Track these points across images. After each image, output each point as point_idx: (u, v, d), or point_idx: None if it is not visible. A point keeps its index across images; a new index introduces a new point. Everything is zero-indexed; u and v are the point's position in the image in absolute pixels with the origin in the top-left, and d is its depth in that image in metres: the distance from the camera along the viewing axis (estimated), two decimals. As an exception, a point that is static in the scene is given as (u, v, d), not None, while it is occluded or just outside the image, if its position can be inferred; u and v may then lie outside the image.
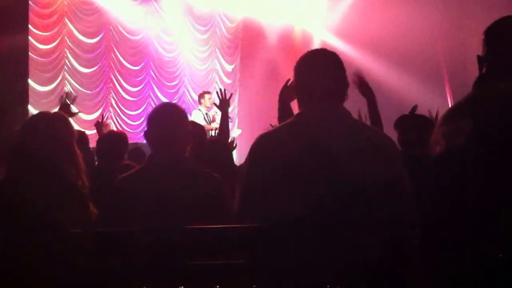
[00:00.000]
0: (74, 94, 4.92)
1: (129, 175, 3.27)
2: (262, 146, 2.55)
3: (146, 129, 3.26)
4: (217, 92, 5.67)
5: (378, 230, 2.35)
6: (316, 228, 2.31)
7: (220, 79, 15.23)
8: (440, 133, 2.34)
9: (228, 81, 15.43)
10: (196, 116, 11.21)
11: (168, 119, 3.18)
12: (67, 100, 4.81)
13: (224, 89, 5.60)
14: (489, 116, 2.20)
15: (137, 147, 6.12)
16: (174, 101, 13.99)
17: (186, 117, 3.30)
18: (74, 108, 4.86)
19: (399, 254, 2.36)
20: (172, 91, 14.21)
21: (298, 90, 2.59)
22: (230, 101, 5.65)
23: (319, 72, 2.54)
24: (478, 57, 2.47)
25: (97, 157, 4.94)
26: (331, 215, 2.31)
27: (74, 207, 3.01)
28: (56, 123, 3.18)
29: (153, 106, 13.47)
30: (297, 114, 2.58)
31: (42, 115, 3.29)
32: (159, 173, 3.08)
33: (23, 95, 7.91)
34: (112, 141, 4.83)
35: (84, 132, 5.42)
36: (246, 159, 2.60)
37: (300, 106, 2.60)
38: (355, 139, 2.43)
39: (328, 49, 2.66)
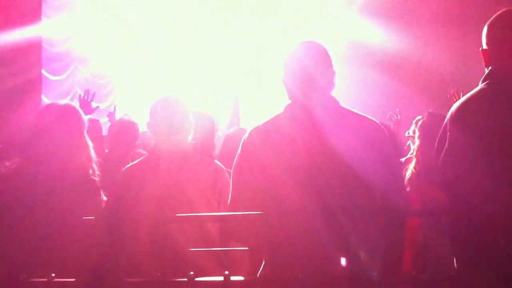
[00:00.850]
0: (93, 91, 4.92)
1: (134, 165, 3.33)
2: (254, 138, 2.58)
3: (148, 120, 3.32)
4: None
5: (374, 215, 2.40)
6: (310, 217, 2.35)
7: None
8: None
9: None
10: None
11: (168, 110, 3.24)
12: (85, 98, 4.83)
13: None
14: None
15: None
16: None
17: (187, 108, 3.34)
18: (93, 104, 4.89)
19: (397, 241, 2.40)
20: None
21: (286, 82, 2.62)
22: None
23: (304, 63, 2.56)
24: (483, 51, 2.52)
25: (108, 144, 4.96)
26: (324, 203, 2.35)
27: (86, 195, 3.06)
28: (68, 113, 3.22)
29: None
30: (286, 106, 2.61)
31: (54, 106, 3.32)
32: (162, 163, 3.15)
33: (37, 85, 7.94)
34: (122, 128, 4.86)
35: (97, 120, 5.43)
36: (238, 152, 2.63)
37: (289, 98, 2.62)
38: (344, 127, 2.46)
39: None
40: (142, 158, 3.39)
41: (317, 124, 2.44)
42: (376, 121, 2.54)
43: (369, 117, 2.53)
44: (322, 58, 2.59)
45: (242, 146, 2.61)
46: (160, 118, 3.24)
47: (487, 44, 2.51)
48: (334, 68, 2.60)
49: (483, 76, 2.50)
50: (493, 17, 2.52)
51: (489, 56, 2.49)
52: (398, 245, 2.42)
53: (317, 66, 2.55)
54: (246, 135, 2.62)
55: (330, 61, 2.60)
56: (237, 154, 2.63)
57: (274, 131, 2.53)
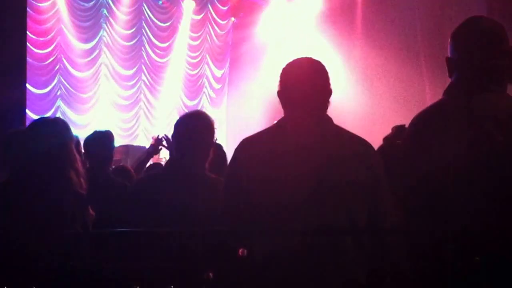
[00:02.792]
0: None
1: (147, 177, 3.28)
2: (245, 150, 2.54)
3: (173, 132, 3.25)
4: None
5: (360, 235, 2.36)
6: (298, 234, 2.31)
7: (210, 84, 15.26)
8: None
9: (218, 86, 15.48)
10: None
11: (193, 129, 3.18)
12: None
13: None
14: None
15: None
16: (165, 105, 14.03)
17: (213, 128, 3.27)
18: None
19: (383, 260, 2.38)
20: (163, 95, 14.21)
21: (281, 96, 2.58)
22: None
23: (301, 79, 2.52)
24: (448, 59, 2.45)
25: (86, 158, 4.83)
26: (312, 221, 2.31)
27: (74, 209, 3.02)
28: (57, 127, 3.19)
29: (144, 109, 13.57)
30: (280, 120, 2.56)
31: (44, 120, 3.31)
32: (174, 181, 3.09)
33: (21, 100, 7.85)
34: (100, 141, 4.68)
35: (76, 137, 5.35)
36: (229, 163, 2.60)
37: (284, 111, 2.59)
38: (336, 146, 2.43)
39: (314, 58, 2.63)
40: (157, 172, 3.30)
41: (309, 139, 2.42)
42: (368, 142, 2.51)
43: (361, 137, 2.52)
44: (319, 76, 2.55)
45: (233, 156, 2.57)
46: (182, 135, 3.19)
47: (451, 52, 2.45)
48: (331, 86, 2.56)
49: (447, 87, 2.45)
50: (458, 25, 2.45)
51: (452, 65, 2.43)
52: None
53: (313, 83, 2.52)
54: (239, 145, 2.58)
55: (327, 79, 2.56)
56: (229, 163, 2.60)
57: (266, 143, 2.50)
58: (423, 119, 2.45)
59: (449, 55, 2.46)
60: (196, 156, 3.13)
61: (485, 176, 2.18)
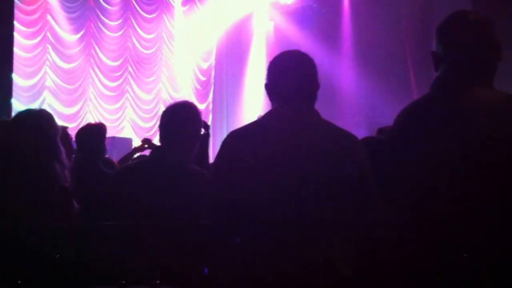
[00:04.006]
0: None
1: (128, 167, 3.23)
2: (232, 143, 2.49)
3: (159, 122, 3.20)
4: None
5: (346, 229, 2.34)
6: (283, 228, 2.28)
7: (196, 76, 15.19)
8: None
9: (203, 78, 15.41)
10: None
11: (177, 120, 3.12)
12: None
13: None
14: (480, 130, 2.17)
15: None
16: (151, 96, 13.97)
17: (198, 119, 3.21)
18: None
19: (370, 255, 2.35)
20: (150, 86, 14.13)
21: (268, 89, 2.54)
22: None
23: (288, 72, 2.48)
24: (433, 53, 2.40)
25: (77, 149, 4.81)
26: (298, 215, 2.28)
27: (58, 202, 2.98)
28: (42, 119, 3.14)
29: (131, 101, 13.50)
30: (267, 113, 2.52)
31: (28, 112, 3.25)
32: (154, 171, 3.03)
33: (7, 90, 7.76)
34: (91, 133, 4.67)
35: (66, 127, 5.29)
36: (216, 156, 2.55)
37: (271, 104, 2.55)
38: (322, 139, 2.38)
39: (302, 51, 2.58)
40: (138, 160, 3.26)
41: (295, 133, 2.38)
42: (355, 136, 2.48)
43: (348, 131, 2.48)
44: (307, 69, 2.51)
45: (220, 149, 2.52)
46: (166, 125, 3.14)
47: (436, 46, 2.39)
48: (318, 80, 2.52)
49: (433, 81, 2.39)
50: (444, 19, 2.39)
51: (437, 59, 2.38)
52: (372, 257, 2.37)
53: (300, 77, 2.48)
54: (226, 138, 2.53)
55: (315, 72, 2.52)
56: (215, 156, 2.55)
57: (253, 136, 2.45)
58: (409, 114, 2.40)
59: (434, 49, 2.41)
60: (179, 147, 3.07)
61: (475, 171, 2.14)
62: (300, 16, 14.20)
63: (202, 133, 3.30)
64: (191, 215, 2.75)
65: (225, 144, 2.51)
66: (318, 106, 2.52)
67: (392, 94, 11.26)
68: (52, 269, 2.68)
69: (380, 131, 4.76)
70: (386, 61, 12.40)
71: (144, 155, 5.09)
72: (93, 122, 4.80)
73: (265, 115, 2.52)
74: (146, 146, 5.15)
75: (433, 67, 2.41)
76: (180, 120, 3.12)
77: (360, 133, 5.80)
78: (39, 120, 3.11)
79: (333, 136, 2.42)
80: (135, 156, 5.29)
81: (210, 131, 4.48)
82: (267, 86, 2.55)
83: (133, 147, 5.48)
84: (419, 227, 2.19)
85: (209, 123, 14.58)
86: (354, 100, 12.94)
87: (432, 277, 2.09)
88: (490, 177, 2.12)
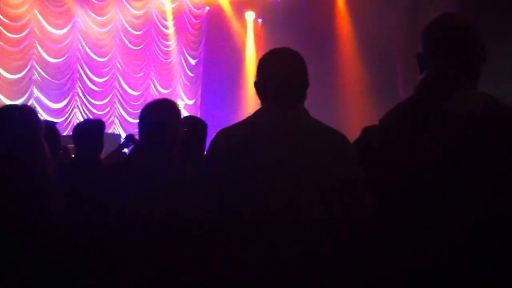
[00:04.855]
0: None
1: (114, 164, 3.19)
2: (221, 142, 2.45)
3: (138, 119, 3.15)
4: None
5: (336, 228, 2.29)
6: (273, 227, 2.23)
7: (184, 72, 15.15)
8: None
9: (191, 74, 15.38)
10: None
11: (158, 115, 3.07)
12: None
13: None
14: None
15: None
16: (139, 92, 13.91)
17: (177, 116, 3.16)
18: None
19: (358, 251, 2.31)
20: (138, 82, 14.07)
21: (257, 86, 2.50)
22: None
23: (277, 71, 2.44)
24: (418, 55, 2.38)
25: (76, 146, 4.64)
26: (287, 214, 2.24)
27: (41, 198, 2.90)
28: (24, 115, 3.06)
29: (119, 96, 13.44)
30: (256, 111, 2.48)
31: (9, 108, 3.17)
32: (132, 169, 2.99)
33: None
34: (90, 130, 4.37)
35: (55, 123, 5.17)
36: (205, 154, 2.52)
37: (261, 102, 2.51)
38: (312, 138, 2.35)
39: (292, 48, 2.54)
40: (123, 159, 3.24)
41: (285, 131, 2.34)
42: (344, 135, 2.45)
43: (337, 130, 2.44)
44: (296, 67, 2.47)
45: (210, 147, 2.49)
46: (146, 122, 3.08)
47: (422, 48, 2.37)
48: (308, 78, 2.48)
49: (418, 83, 2.37)
50: (430, 22, 2.37)
51: (422, 62, 2.36)
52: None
53: (290, 75, 2.44)
54: (215, 136, 2.49)
55: (305, 70, 2.48)
56: (205, 156, 2.51)
57: (242, 135, 2.41)
58: (393, 117, 2.39)
59: (420, 51, 2.39)
60: (158, 144, 3.02)
61: (459, 174, 2.11)
62: (288, 13, 14.18)
63: (184, 130, 3.22)
64: (176, 214, 2.70)
65: (214, 142, 2.48)
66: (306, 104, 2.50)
67: (379, 94, 11.31)
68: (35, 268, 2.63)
69: (366, 130, 4.72)
70: (374, 60, 12.43)
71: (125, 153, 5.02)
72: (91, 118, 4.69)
73: (254, 113, 2.48)
74: (130, 144, 5.06)
75: (419, 70, 2.40)
76: (153, 118, 3.07)
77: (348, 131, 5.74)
78: (21, 115, 3.03)
79: (322, 135, 2.39)
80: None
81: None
82: (256, 84, 2.51)
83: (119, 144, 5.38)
84: (402, 226, 2.18)
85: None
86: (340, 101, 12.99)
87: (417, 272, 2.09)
88: (467, 180, 2.10)
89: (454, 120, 2.16)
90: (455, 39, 2.29)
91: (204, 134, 3.74)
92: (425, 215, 2.13)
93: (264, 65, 2.50)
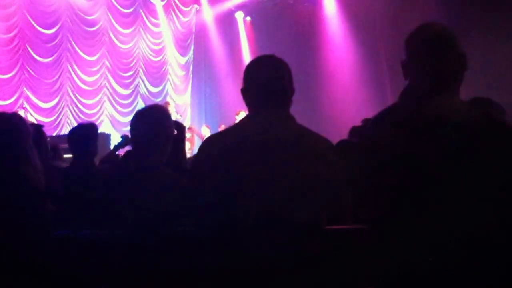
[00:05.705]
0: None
1: (105, 170, 3.18)
2: (208, 149, 2.49)
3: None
4: None
5: (318, 231, 2.31)
6: (257, 231, 2.26)
7: (174, 71, 15.13)
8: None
9: (181, 73, 15.35)
10: None
11: (149, 123, 3.03)
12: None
13: None
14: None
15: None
16: (129, 91, 13.87)
17: (168, 122, 3.12)
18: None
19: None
20: (127, 81, 14.03)
21: (244, 94, 2.54)
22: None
23: (263, 78, 2.48)
24: (402, 63, 2.43)
25: (72, 151, 4.59)
26: (272, 220, 2.26)
27: (30, 204, 2.91)
28: (13, 122, 3.06)
29: (108, 95, 13.39)
30: (243, 118, 2.53)
31: (2, 115, 3.15)
32: (127, 176, 2.97)
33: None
34: (84, 134, 4.35)
35: (42, 126, 5.14)
36: (193, 161, 2.54)
37: (248, 109, 2.54)
38: (297, 144, 2.38)
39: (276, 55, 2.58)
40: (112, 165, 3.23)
41: (272, 138, 2.37)
42: (329, 140, 2.48)
43: (321, 135, 2.47)
44: (282, 74, 2.50)
45: (197, 153, 2.52)
46: (137, 130, 3.06)
47: (405, 56, 2.43)
48: (293, 85, 2.51)
49: (402, 90, 2.42)
50: (411, 31, 2.43)
51: (406, 69, 2.41)
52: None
53: (275, 82, 2.47)
54: (202, 144, 2.53)
55: (290, 77, 2.51)
56: (193, 161, 2.54)
57: (229, 142, 2.43)
58: (376, 123, 2.44)
59: (403, 58, 2.46)
60: (149, 151, 3.00)
61: (438, 181, 2.15)
62: (276, 13, 14.20)
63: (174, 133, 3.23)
64: (166, 220, 2.70)
65: (202, 149, 2.51)
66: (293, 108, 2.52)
67: (368, 96, 11.35)
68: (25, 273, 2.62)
69: (354, 130, 4.78)
70: (360, 62, 12.48)
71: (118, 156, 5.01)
72: (85, 122, 4.66)
73: (241, 120, 2.53)
74: (125, 143, 5.06)
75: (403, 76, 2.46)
76: (143, 125, 3.04)
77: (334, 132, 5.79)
78: (9, 122, 3.03)
79: (308, 141, 2.42)
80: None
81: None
82: (242, 91, 2.54)
83: (113, 146, 5.35)
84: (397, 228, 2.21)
85: (188, 117, 14.57)
86: (327, 100, 13.02)
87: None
88: (451, 186, 2.13)
89: (432, 125, 2.20)
90: (434, 48, 2.35)
91: (183, 136, 3.77)
92: (417, 219, 2.15)
93: (249, 73, 2.54)
